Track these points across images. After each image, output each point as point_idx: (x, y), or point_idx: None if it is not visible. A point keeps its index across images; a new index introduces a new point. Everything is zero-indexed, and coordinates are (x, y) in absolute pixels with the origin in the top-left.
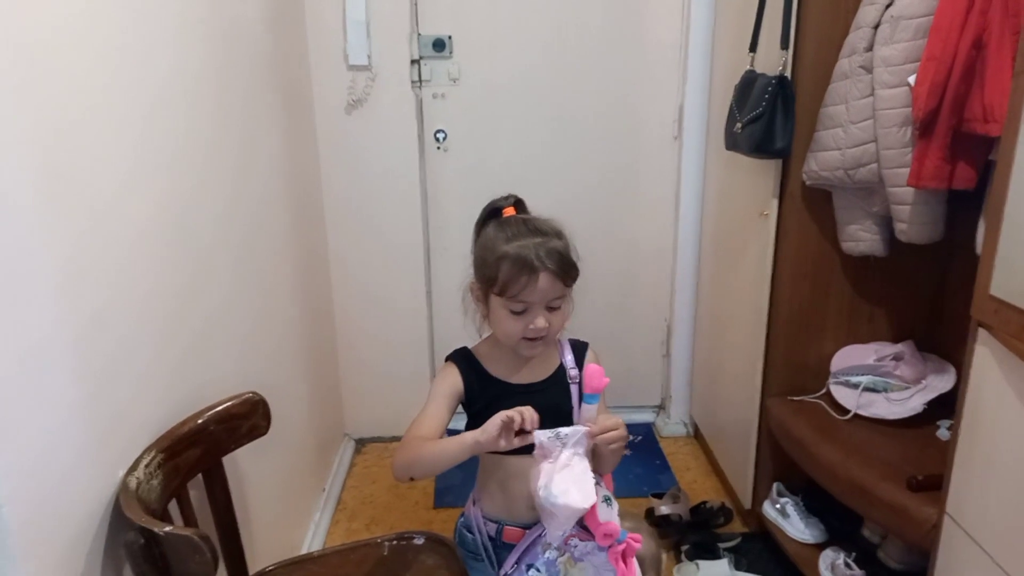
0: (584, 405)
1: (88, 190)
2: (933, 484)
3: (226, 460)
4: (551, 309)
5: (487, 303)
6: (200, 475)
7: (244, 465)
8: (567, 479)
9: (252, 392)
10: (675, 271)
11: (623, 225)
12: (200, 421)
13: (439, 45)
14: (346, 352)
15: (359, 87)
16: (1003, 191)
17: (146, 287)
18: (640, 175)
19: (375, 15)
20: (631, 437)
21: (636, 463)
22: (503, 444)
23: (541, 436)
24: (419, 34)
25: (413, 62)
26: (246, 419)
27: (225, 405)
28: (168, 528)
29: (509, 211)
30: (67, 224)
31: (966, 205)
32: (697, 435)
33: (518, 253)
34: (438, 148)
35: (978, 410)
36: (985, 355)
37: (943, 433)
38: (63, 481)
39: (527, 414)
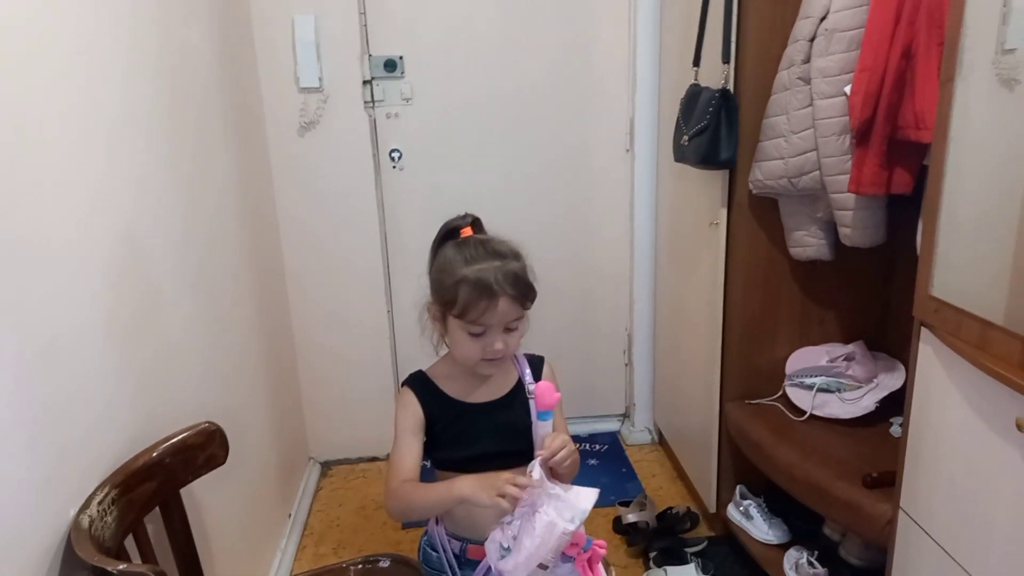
0: (539, 423)
1: (35, 222)
2: (887, 481)
3: (186, 491)
4: (509, 330)
5: (445, 323)
6: (158, 508)
7: (204, 495)
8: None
9: (208, 422)
10: (633, 281)
11: (580, 238)
12: (155, 454)
13: (391, 65)
14: (308, 374)
15: (311, 109)
16: (936, 195)
17: (96, 318)
18: (595, 188)
19: (325, 37)
20: (596, 447)
21: (603, 472)
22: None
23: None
24: (370, 55)
25: (365, 83)
26: (203, 449)
27: (181, 436)
28: (122, 566)
29: (466, 231)
30: (13, 256)
31: (908, 208)
32: (662, 442)
33: (478, 277)
34: (394, 167)
35: (925, 407)
36: (929, 353)
37: (895, 430)
38: (9, 524)
39: (518, 491)
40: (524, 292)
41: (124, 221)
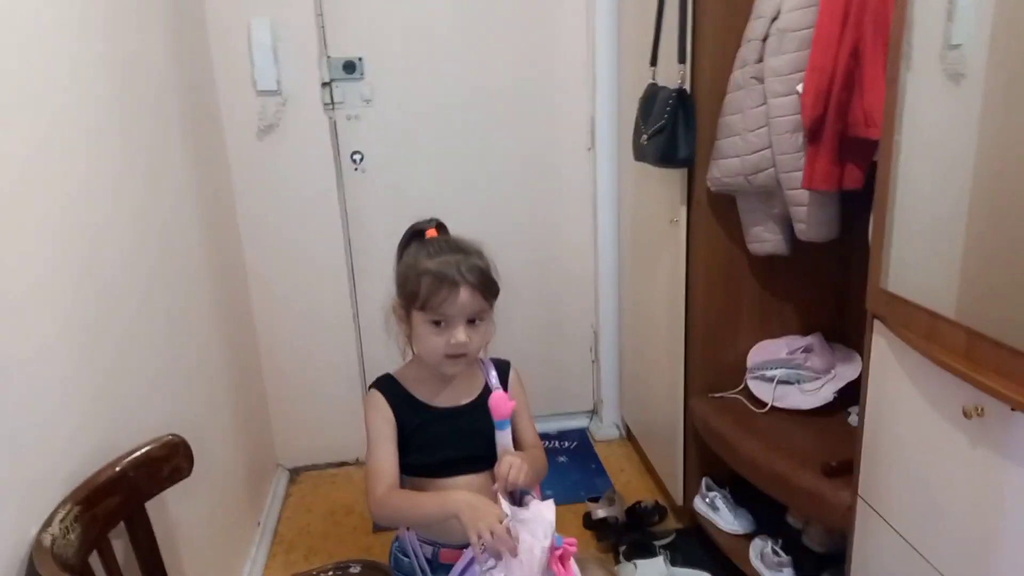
0: (498, 433)
1: None
2: (846, 469)
3: (151, 504)
4: (472, 324)
5: (410, 321)
6: (123, 523)
7: (171, 508)
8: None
9: (172, 434)
10: (598, 279)
11: (544, 237)
12: (118, 468)
13: (350, 67)
14: (273, 381)
15: (270, 112)
16: (885, 191)
17: (50, 329)
18: (558, 188)
19: (282, 39)
20: (566, 444)
21: (572, 469)
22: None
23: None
24: (328, 57)
25: (324, 85)
26: (167, 462)
27: (144, 449)
28: None
29: (431, 232)
30: None
31: (861, 203)
32: (630, 437)
33: (439, 268)
34: (356, 170)
35: (879, 396)
36: (881, 344)
37: (853, 419)
38: None
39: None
40: (485, 284)
41: (76, 228)
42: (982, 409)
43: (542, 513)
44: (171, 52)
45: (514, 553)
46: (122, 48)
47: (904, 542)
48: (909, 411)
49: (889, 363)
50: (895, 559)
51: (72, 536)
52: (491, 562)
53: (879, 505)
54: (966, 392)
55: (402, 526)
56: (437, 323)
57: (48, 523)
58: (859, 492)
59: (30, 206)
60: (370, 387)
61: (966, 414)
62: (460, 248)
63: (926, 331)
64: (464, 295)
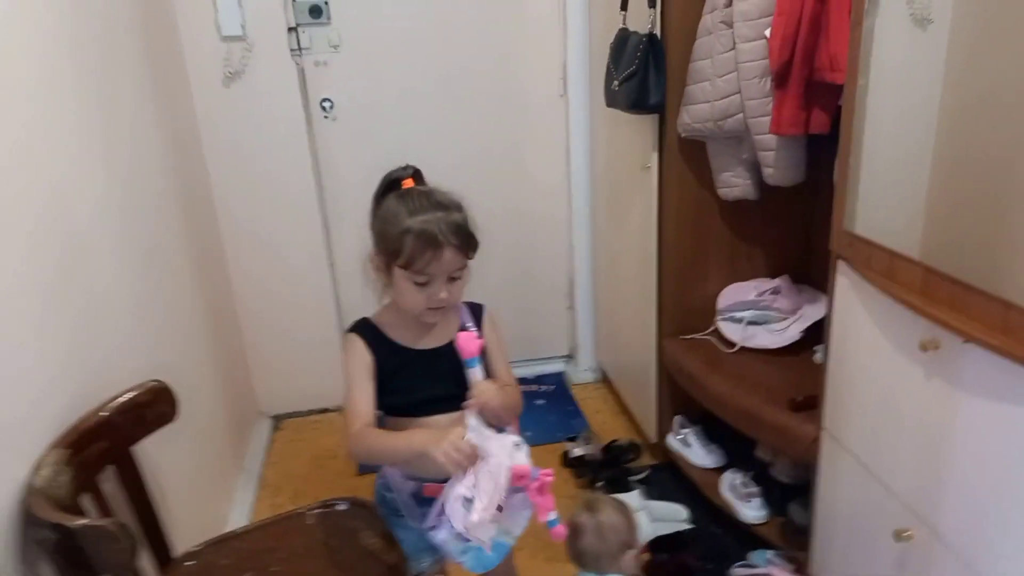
0: (469, 370)
1: None
2: (811, 404)
3: (138, 449)
4: (452, 279)
5: (389, 274)
6: (113, 467)
7: (157, 453)
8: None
9: (155, 380)
10: (571, 226)
11: (518, 185)
12: (104, 414)
13: (315, 11)
14: (251, 330)
15: (235, 58)
16: (848, 135)
17: (14, 278)
18: (531, 133)
19: None
20: (539, 388)
21: (549, 411)
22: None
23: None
24: (294, 1)
25: (290, 30)
26: (150, 407)
27: (129, 395)
28: (82, 521)
29: (408, 183)
30: None
31: (826, 147)
32: (605, 380)
33: (423, 228)
34: (325, 117)
35: (843, 334)
36: (845, 284)
37: (819, 357)
38: None
39: (460, 456)
40: (467, 242)
41: (40, 177)
42: (937, 342)
43: (508, 438)
44: None
45: (473, 461)
46: None
47: (865, 470)
48: (870, 346)
49: (852, 302)
50: (856, 486)
51: (63, 478)
52: (461, 476)
53: (842, 436)
54: (922, 327)
55: (375, 462)
56: (420, 283)
57: (38, 467)
58: (824, 424)
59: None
60: (348, 331)
61: (923, 347)
62: (440, 204)
63: (886, 269)
64: (447, 256)
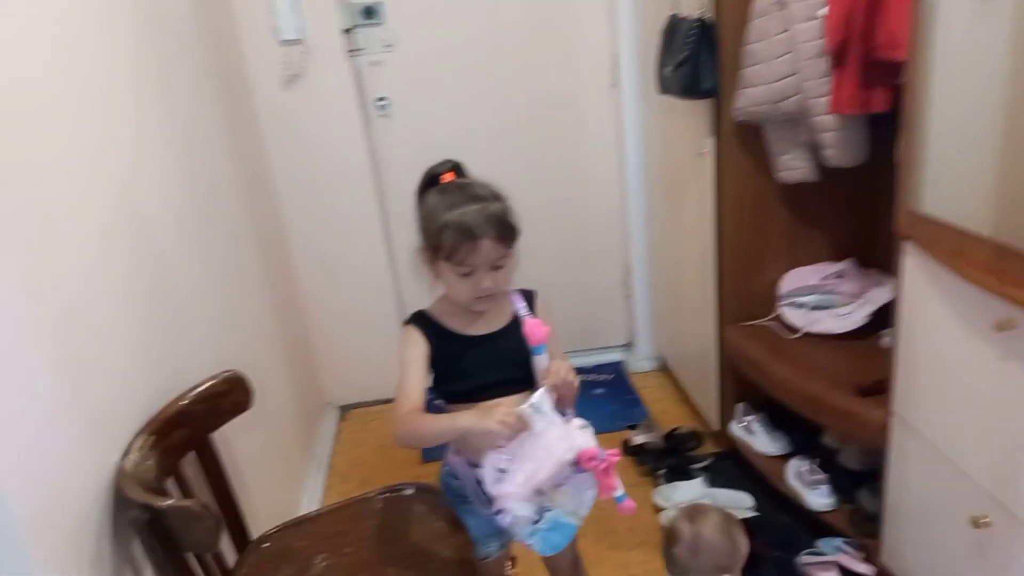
0: (536, 357)
1: (33, 189)
2: (879, 388)
3: (216, 436)
4: (496, 268)
5: (436, 266)
6: (193, 453)
7: (234, 440)
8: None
9: (230, 370)
10: (627, 215)
11: (571, 176)
12: (184, 402)
13: (370, 13)
14: (318, 324)
15: (294, 61)
16: (911, 114)
17: (111, 281)
18: (582, 124)
19: None
20: (599, 377)
21: (609, 400)
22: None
23: (525, 413)
24: (350, 2)
25: (346, 31)
26: (227, 396)
27: (207, 384)
28: (169, 501)
29: (447, 177)
30: (24, 227)
31: (887, 126)
32: (665, 368)
33: (459, 221)
34: (381, 115)
35: (912, 316)
36: (912, 266)
37: (886, 341)
38: (61, 471)
39: (512, 419)
40: (505, 232)
41: (122, 185)
42: (1014, 322)
43: (577, 436)
44: (191, 4)
45: (524, 429)
46: (144, 3)
47: (939, 454)
48: (941, 328)
49: (920, 283)
50: (930, 471)
51: (150, 463)
52: (503, 441)
53: (914, 420)
54: (996, 306)
55: (418, 445)
56: (463, 274)
57: (127, 451)
58: (894, 409)
59: (77, 164)
60: (404, 323)
61: (998, 327)
62: (477, 196)
63: (954, 249)
64: (486, 247)
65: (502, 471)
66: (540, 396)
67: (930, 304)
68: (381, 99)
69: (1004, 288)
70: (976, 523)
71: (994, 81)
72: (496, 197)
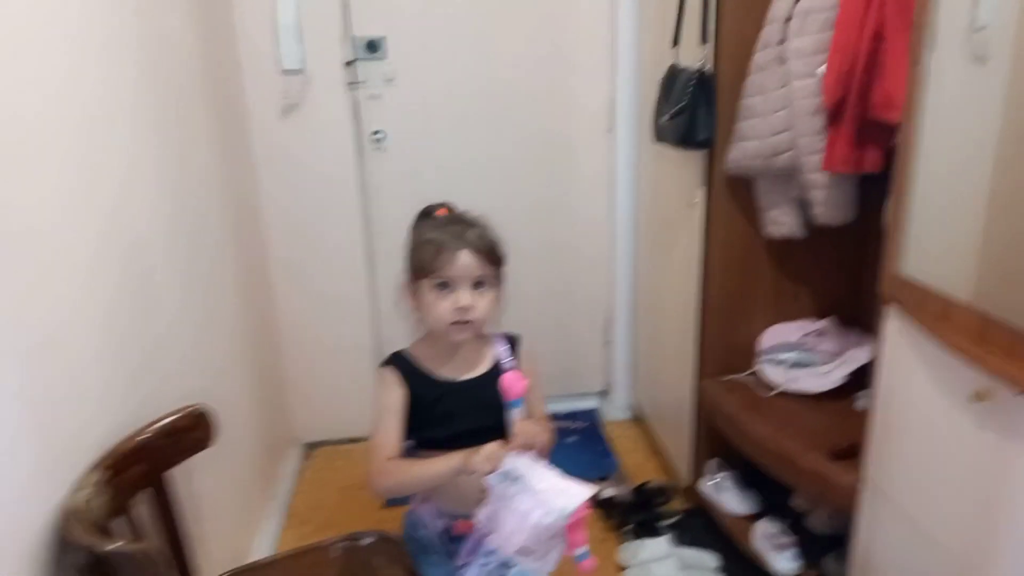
0: (513, 410)
1: (27, 217)
2: (852, 452)
3: (175, 472)
4: (477, 289)
5: (417, 296)
6: (147, 490)
7: (191, 476)
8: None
9: (195, 405)
10: (613, 260)
11: (560, 218)
12: (144, 436)
13: (373, 47)
14: (293, 358)
15: (293, 91)
16: (904, 175)
17: (94, 310)
18: (576, 169)
19: (306, 18)
20: (572, 424)
21: (581, 449)
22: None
23: (493, 481)
24: (353, 36)
25: (347, 64)
26: (190, 432)
27: (170, 419)
28: (114, 545)
29: (441, 212)
30: (15, 253)
31: (878, 186)
32: (640, 419)
33: (442, 235)
34: (376, 148)
35: (891, 381)
36: (895, 329)
37: (860, 403)
38: (11, 507)
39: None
40: (486, 248)
41: (112, 211)
42: (991, 393)
43: (560, 496)
44: (197, 31)
45: (493, 467)
46: (151, 27)
47: (911, 521)
48: (919, 394)
49: (901, 347)
50: (900, 539)
51: (100, 500)
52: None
53: (886, 487)
54: (975, 376)
55: (406, 493)
56: (442, 286)
57: (79, 487)
58: (866, 474)
59: (67, 189)
60: (381, 365)
61: (977, 397)
62: (463, 220)
63: (939, 315)
64: (466, 256)
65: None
66: (510, 462)
67: (909, 369)
68: (376, 132)
69: (985, 357)
70: None
71: (983, 147)
72: (480, 222)
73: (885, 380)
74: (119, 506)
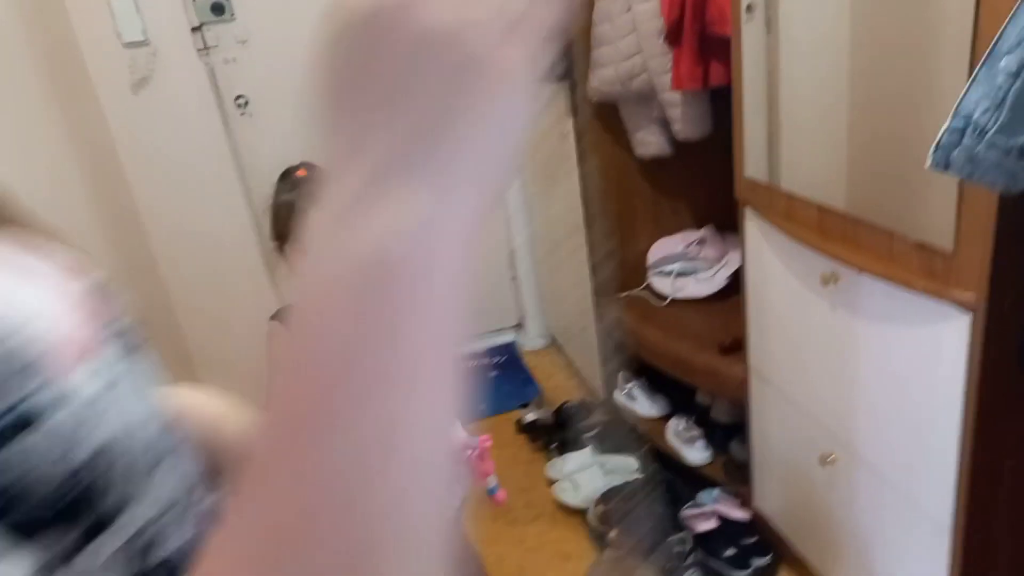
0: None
1: None
2: (738, 346)
3: None
4: None
5: (287, 259)
6: None
7: None
8: None
9: None
10: (506, 198)
11: None
12: None
13: (218, 8)
14: (194, 330)
15: (141, 64)
16: (739, 84)
17: None
18: None
19: None
20: (496, 359)
21: (503, 381)
22: None
23: None
24: (195, 0)
25: (194, 29)
26: None
27: None
28: None
29: (300, 173)
30: None
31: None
32: (556, 344)
33: (296, 197)
34: (242, 115)
35: (756, 276)
36: (753, 229)
37: None
38: None
39: None
40: None
41: None
42: (836, 276)
43: None
44: (20, 14)
45: None
46: None
47: (790, 402)
48: (781, 285)
49: (761, 245)
50: (784, 418)
51: None
52: None
53: (767, 373)
54: (822, 262)
55: None
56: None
57: None
58: (750, 364)
59: None
60: (271, 319)
61: (823, 281)
62: None
63: (785, 211)
64: None
65: None
66: None
67: (769, 263)
68: (239, 97)
69: (826, 244)
70: (824, 461)
71: (827, 52)
72: None
73: (751, 276)
74: None
